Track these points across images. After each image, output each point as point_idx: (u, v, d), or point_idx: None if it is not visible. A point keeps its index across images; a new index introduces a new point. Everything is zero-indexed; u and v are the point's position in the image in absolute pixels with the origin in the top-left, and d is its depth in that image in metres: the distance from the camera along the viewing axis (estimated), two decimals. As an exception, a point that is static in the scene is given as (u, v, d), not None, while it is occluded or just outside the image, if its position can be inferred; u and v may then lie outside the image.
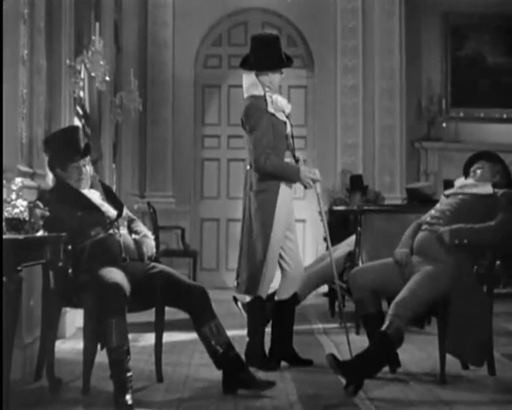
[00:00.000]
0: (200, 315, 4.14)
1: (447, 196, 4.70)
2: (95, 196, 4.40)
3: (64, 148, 4.37)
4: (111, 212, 4.34)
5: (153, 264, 4.31)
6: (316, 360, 4.87)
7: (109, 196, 4.50)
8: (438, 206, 4.68)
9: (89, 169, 4.43)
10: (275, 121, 4.82)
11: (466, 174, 4.74)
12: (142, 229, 4.49)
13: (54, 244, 4.02)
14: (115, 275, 4.00)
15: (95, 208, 4.30)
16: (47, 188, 4.81)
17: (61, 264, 4.05)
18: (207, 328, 4.13)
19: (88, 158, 4.42)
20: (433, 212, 4.65)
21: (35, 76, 4.96)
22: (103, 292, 3.90)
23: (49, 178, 5.57)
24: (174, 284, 4.20)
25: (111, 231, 4.25)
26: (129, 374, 3.83)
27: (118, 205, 4.45)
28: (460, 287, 4.30)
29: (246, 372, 4.13)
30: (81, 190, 4.35)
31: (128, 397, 3.75)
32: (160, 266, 4.32)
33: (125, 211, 4.48)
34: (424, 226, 4.61)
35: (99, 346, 4.09)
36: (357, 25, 9.79)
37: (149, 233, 4.48)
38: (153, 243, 4.42)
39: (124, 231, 4.34)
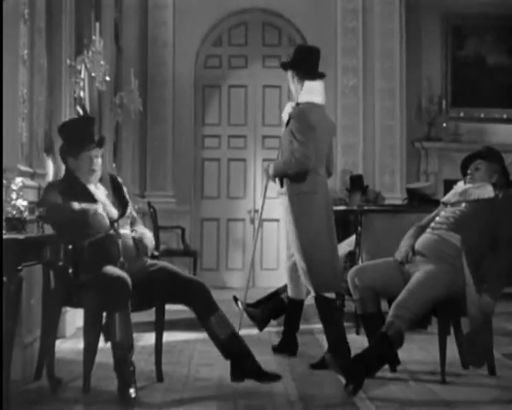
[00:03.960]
0: (204, 309, 4.16)
1: (451, 205, 4.64)
2: (99, 191, 4.35)
3: (78, 135, 4.32)
4: (113, 212, 4.33)
5: (152, 262, 4.31)
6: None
7: (116, 192, 4.45)
8: (442, 213, 4.63)
9: (100, 162, 4.38)
10: None
11: (463, 175, 4.72)
12: (143, 230, 4.47)
13: (54, 244, 4.02)
14: (119, 271, 4.00)
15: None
16: (58, 178, 4.76)
17: (61, 263, 4.06)
18: (212, 320, 4.15)
19: (101, 151, 4.39)
20: (437, 218, 4.62)
21: (35, 76, 4.96)
22: (108, 286, 3.90)
23: (50, 178, 5.57)
24: (174, 281, 4.21)
25: (111, 232, 4.24)
26: (132, 369, 3.84)
27: (123, 203, 4.41)
28: (461, 289, 4.30)
29: (253, 362, 4.16)
30: (87, 185, 4.29)
31: (132, 391, 3.77)
32: (160, 264, 4.31)
33: (130, 210, 4.45)
34: (428, 230, 4.60)
35: (102, 339, 4.09)
36: (357, 25, 9.79)
37: (148, 232, 4.47)
38: (152, 238, 4.42)
39: (126, 231, 4.30)
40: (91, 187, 4.32)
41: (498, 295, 4.32)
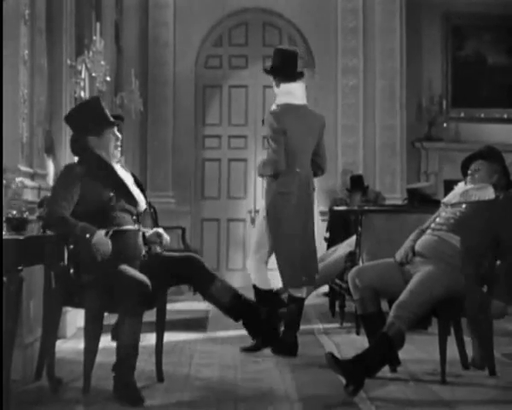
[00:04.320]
0: (202, 281, 4.18)
1: (452, 206, 4.64)
2: (127, 177, 4.26)
3: (98, 114, 4.22)
4: (142, 201, 4.25)
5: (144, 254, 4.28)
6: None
7: (136, 183, 4.36)
8: (443, 214, 4.62)
9: (112, 138, 4.28)
10: None
11: (464, 175, 4.71)
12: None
13: (54, 244, 4.02)
14: (141, 275, 3.95)
15: (127, 192, 4.18)
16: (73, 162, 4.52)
17: (63, 263, 4.04)
18: (213, 289, 4.18)
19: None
20: (437, 219, 4.61)
21: (36, 76, 4.97)
22: (129, 287, 3.85)
23: (50, 178, 5.58)
24: (168, 264, 4.22)
25: (136, 226, 4.17)
26: (132, 371, 3.85)
27: (143, 196, 4.33)
28: (462, 289, 4.30)
29: (263, 313, 4.28)
30: (114, 168, 4.19)
31: (137, 391, 3.79)
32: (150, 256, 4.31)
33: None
34: (428, 231, 4.59)
35: (110, 337, 4.07)
36: (357, 25, 9.79)
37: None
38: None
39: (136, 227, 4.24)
40: (118, 170, 4.22)
41: (509, 297, 4.31)
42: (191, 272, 4.19)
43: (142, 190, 4.37)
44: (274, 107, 5.28)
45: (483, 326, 4.28)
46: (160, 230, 4.39)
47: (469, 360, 4.66)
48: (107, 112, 4.29)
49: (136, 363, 3.88)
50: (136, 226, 4.19)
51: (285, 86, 5.28)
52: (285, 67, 5.29)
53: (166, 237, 4.36)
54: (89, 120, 4.21)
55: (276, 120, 5.19)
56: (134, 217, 4.20)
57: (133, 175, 4.40)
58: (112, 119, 4.27)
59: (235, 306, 4.19)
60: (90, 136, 4.20)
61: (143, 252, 4.22)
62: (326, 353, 4.23)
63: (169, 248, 9.03)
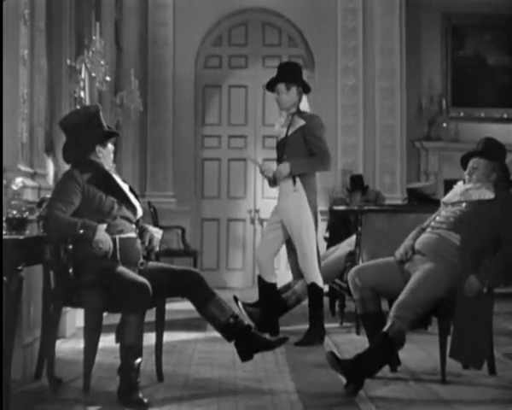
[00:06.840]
0: (200, 297, 4.18)
1: (452, 205, 4.63)
2: (124, 185, 4.28)
3: (101, 123, 4.23)
4: (140, 209, 4.28)
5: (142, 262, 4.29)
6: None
7: (130, 190, 4.37)
8: (443, 212, 4.61)
9: (112, 149, 4.32)
10: None
11: (464, 170, 4.68)
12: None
13: (54, 244, 4.02)
14: (141, 277, 3.97)
15: (127, 200, 4.21)
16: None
17: (63, 263, 4.04)
18: (211, 306, 4.17)
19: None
20: (437, 218, 4.60)
21: (35, 76, 4.96)
22: (131, 289, 3.86)
23: (50, 178, 5.58)
24: (169, 275, 4.21)
25: (133, 234, 4.19)
26: (137, 373, 3.83)
27: (138, 204, 4.36)
28: (461, 288, 4.29)
29: (257, 336, 4.24)
30: (114, 176, 4.22)
31: (141, 395, 3.77)
32: (149, 264, 4.30)
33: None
34: (428, 230, 4.58)
35: (109, 337, 4.07)
36: (357, 25, 9.79)
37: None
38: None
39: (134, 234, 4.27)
40: (118, 180, 4.25)
41: (487, 283, 4.26)
42: (190, 286, 4.18)
43: (136, 197, 4.39)
44: (309, 111, 5.78)
45: (468, 320, 4.25)
46: (150, 227, 4.37)
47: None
48: (103, 124, 4.30)
49: (140, 365, 3.86)
50: (134, 234, 4.21)
51: (305, 97, 5.79)
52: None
53: (156, 233, 4.33)
54: (98, 128, 4.23)
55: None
56: (133, 224, 4.22)
57: (124, 181, 4.43)
58: (107, 132, 4.31)
59: (230, 326, 4.18)
60: (99, 145, 4.23)
61: (141, 260, 4.21)
62: (327, 352, 4.23)
63: (169, 249, 9.02)
